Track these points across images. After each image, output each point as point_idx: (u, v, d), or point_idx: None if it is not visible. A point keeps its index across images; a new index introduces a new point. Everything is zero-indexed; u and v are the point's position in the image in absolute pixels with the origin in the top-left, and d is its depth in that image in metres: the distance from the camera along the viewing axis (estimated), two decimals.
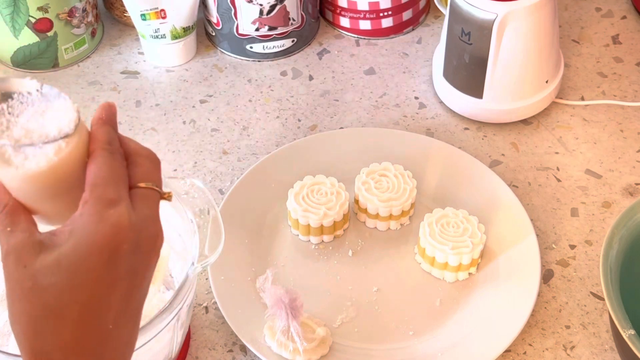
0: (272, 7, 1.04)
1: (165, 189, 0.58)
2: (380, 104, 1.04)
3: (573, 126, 1.02)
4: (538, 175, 0.97)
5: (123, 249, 0.52)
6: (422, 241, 0.86)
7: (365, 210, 0.90)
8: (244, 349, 0.82)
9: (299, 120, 1.02)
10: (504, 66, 0.95)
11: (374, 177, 0.90)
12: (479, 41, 0.94)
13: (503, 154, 0.99)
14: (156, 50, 1.07)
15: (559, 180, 0.96)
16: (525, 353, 0.82)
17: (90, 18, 1.07)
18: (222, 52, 1.10)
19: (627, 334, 0.69)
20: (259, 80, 1.07)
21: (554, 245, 0.90)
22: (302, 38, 1.09)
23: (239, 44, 1.08)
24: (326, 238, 0.89)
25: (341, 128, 1.01)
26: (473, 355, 0.80)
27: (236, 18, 1.05)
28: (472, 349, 0.81)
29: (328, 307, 0.84)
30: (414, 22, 1.13)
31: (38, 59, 1.05)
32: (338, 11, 1.11)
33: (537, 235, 0.89)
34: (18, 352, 0.53)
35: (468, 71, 0.97)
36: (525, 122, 1.02)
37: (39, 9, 1.01)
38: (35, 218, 0.56)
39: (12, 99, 0.54)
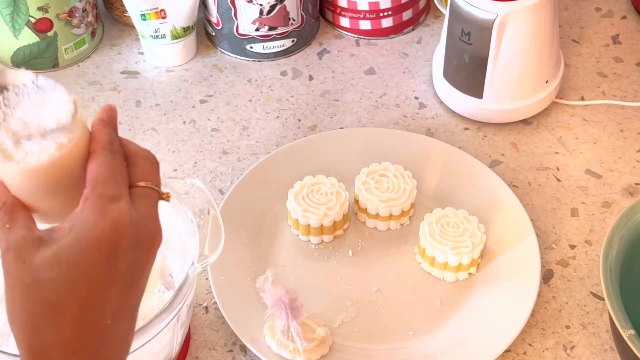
0: (272, 7, 1.04)
1: (164, 190, 0.58)
2: (380, 104, 1.04)
3: (573, 126, 1.01)
4: (538, 175, 0.96)
5: (123, 244, 0.53)
6: (422, 241, 0.86)
7: (365, 210, 0.90)
8: (244, 349, 0.82)
9: (299, 120, 1.02)
10: (504, 66, 0.95)
11: (374, 177, 0.90)
12: (479, 41, 0.94)
13: (503, 154, 0.99)
14: (156, 50, 1.07)
15: (559, 180, 0.96)
16: (525, 353, 0.82)
17: (90, 18, 1.07)
18: (222, 52, 1.10)
19: (627, 334, 0.69)
20: (259, 80, 1.07)
21: (554, 245, 0.90)
22: (302, 38, 1.09)
23: (239, 44, 1.08)
24: (326, 238, 0.89)
25: (341, 128, 1.01)
26: (473, 355, 0.80)
27: (236, 18, 1.05)
28: (472, 349, 0.81)
29: (328, 307, 0.84)
30: (414, 22, 1.13)
31: (38, 59, 1.05)
32: (338, 11, 1.11)
33: (537, 235, 0.89)
34: (18, 352, 0.53)
35: (468, 71, 0.97)
36: (525, 122, 1.02)
37: (39, 9, 1.01)
38: (35, 217, 0.56)
39: (7, 90, 0.54)
